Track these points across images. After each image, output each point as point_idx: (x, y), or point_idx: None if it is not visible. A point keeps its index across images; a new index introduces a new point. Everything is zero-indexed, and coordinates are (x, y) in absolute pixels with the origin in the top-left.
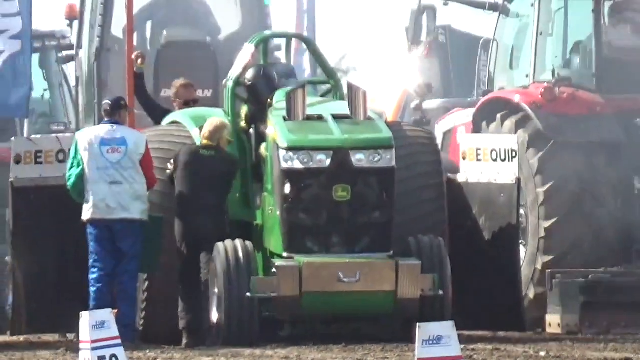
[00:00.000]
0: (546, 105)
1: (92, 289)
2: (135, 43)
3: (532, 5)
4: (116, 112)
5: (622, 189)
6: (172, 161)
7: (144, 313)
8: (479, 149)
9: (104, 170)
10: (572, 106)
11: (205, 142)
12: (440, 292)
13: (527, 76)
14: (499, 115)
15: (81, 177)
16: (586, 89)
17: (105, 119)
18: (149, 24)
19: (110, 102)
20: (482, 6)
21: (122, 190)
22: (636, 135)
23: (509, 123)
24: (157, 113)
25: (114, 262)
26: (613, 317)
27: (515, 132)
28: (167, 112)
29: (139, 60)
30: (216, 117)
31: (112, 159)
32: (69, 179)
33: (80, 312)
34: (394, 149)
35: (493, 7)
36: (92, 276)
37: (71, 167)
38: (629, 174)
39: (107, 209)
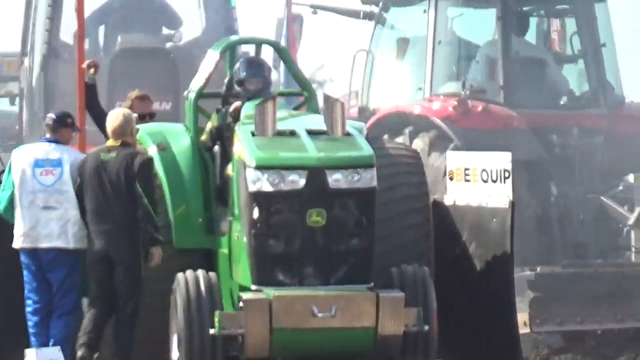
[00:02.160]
0: (460, 119)
1: (29, 323)
2: (86, 50)
3: (425, 11)
4: (58, 130)
5: (546, 204)
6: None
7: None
8: (467, 169)
9: (36, 193)
10: (487, 120)
11: (109, 143)
12: (426, 327)
13: (420, 89)
14: (407, 130)
15: (12, 200)
16: (495, 103)
17: (46, 136)
18: (102, 29)
19: (54, 117)
20: (355, 15)
21: (56, 216)
22: (552, 151)
23: (422, 139)
24: None
25: (49, 294)
26: (566, 311)
27: (430, 149)
28: None
29: (91, 70)
30: (118, 108)
31: (46, 182)
32: (0, 202)
33: (25, 350)
34: (374, 168)
35: (368, 16)
36: (27, 309)
37: (3, 190)
38: (549, 189)
39: (37, 236)
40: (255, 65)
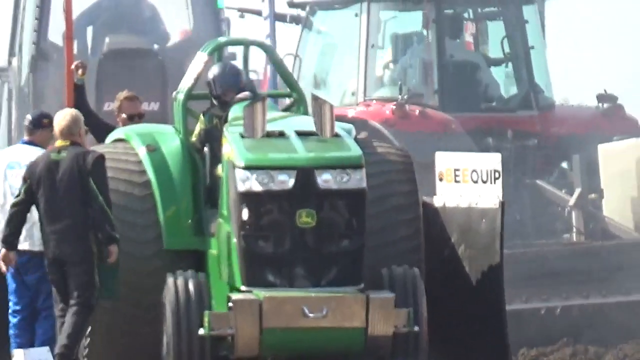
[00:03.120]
0: (399, 123)
1: (10, 324)
2: (75, 51)
3: (357, 15)
4: (35, 131)
5: None
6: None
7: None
8: (457, 170)
9: (6, 196)
10: (426, 124)
11: (58, 143)
12: (416, 328)
13: (353, 94)
14: None
15: None
16: (430, 107)
17: (24, 138)
18: (89, 30)
19: (30, 119)
20: (282, 19)
21: (27, 219)
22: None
23: None
24: (99, 129)
25: (28, 296)
26: (532, 289)
27: None
28: (111, 128)
29: (79, 71)
30: (66, 108)
31: (15, 184)
32: None
33: (13, 350)
34: (364, 169)
35: (295, 20)
36: (9, 310)
37: None
38: None
39: None
40: (228, 77)
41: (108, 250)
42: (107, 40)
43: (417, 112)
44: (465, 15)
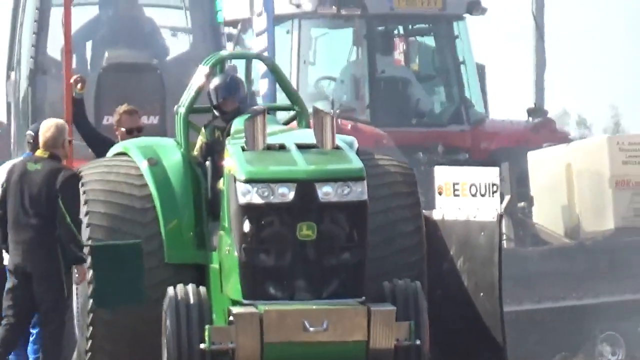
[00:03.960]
0: None
1: None
2: (74, 65)
3: (289, 32)
4: (36, 145)
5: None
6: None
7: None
8: (457, 183)
9: None
10: (357, 139)
11: (38, 152)
12: (417, 342)
13: None
14: None
15: None
16: (362, 122)
17: (27, 152)
18: (89, 44)
19: (31, 133)
20: None
21: None
22: (419, 169)
23: None
24: (98, 143)
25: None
26: None
27: None
28: (110, 142)
29: (78, 85)
30: (51, 118)
31: None
32: None
33: None
34: (365, 181)
35: (228, 38)
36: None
37: None
38: None
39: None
40: (230, 86)
41: (76, 271)
42: (106, 54)
43: (349, 126)
44: (396, 31)
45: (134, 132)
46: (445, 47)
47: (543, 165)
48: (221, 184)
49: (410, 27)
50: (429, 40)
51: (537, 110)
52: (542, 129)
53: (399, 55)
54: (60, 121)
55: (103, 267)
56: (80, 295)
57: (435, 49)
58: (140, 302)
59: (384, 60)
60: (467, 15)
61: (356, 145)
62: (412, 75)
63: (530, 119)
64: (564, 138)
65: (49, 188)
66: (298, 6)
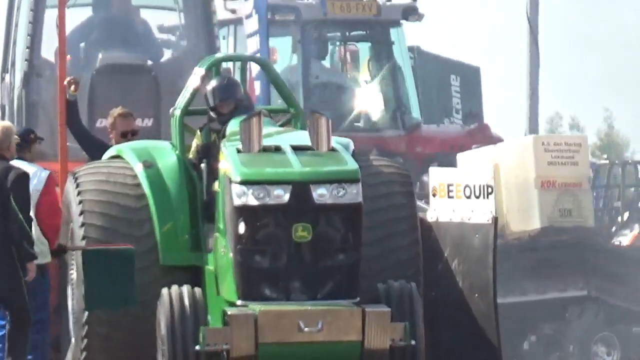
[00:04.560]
0: None
1: None
2: (68, 67)
3: (224, 38)
4: (24, 148)
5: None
6: None
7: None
8: (451, 185)
9: None
10: None
11: None
12: (412, 342)
13: None
14: None
15: None
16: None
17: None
18: (82, 46)
19: (17, 137)
20: None
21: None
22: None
23: None
24: (92, 146)
25: None
26: None
27: None
28: (104, 145)
29: (72, 87)
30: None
31: None
32: None
33: None
34: (360, 183)
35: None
36: None
37: None
38: None
39: None
40: (226, 88)
41: (27, 268)
42: (100, 56)
43: None
44: (333, 37)
45: (128, 135)
46: (382, 53)
47: (471, 165)
48: (216, 186)
49: (347, 33)
50: (365, 47)
51: (473, 116)
52: (477, 134)
53: (336, 60)
54: (8, 124)
55: (94, 271)
56: (76, 302)
57: (372, 55)
58: (132, 305)
59: (318, 66)
60: (403, 22)
61: (352, 147)
62: (346, 80)
63: (466, 124)
64: (497, 142)
65: (1, 187)
66: (233, 12)
